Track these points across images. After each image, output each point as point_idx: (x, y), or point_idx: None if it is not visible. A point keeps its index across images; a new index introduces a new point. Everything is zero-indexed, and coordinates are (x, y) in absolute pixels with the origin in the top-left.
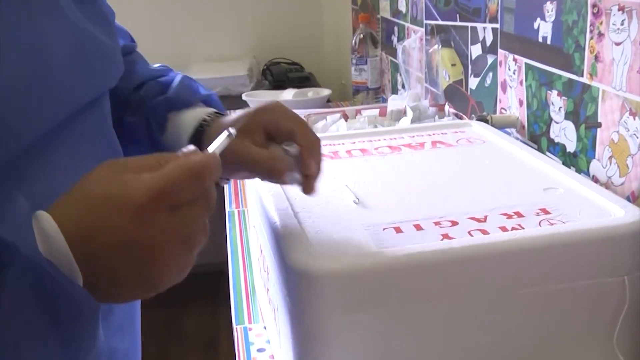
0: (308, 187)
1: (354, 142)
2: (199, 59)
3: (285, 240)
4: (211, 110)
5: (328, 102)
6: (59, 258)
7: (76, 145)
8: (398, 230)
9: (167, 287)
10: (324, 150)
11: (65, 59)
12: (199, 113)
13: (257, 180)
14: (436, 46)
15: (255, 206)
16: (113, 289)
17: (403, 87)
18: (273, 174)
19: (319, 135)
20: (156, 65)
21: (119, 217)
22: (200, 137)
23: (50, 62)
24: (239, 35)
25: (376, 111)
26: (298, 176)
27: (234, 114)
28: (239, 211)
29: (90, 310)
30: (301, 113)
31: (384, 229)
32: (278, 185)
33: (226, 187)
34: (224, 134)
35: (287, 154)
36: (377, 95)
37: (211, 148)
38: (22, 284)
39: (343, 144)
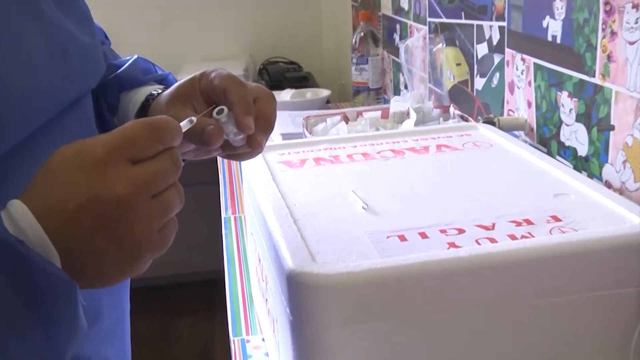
0: (252, 144)
1: (356, 146)
2: (193, 58)
3: (285, 248)
4: (160, 86)
5: (327, 103)
6: (32, 239)
7: (60, 144)
8: (402, 238)
9: (149, 254)
10: (325, 153)
11: (46, 60)
12: (147, 90)
13: (254, 185)
14: (440, 45)
15: (253, 212)
16: (92, 264)
17: (406, 87)
18: (207, 144)
19: (317, 138)
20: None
21: (78, 174)
22: (146, 111)
23: (30, 63)
24: (235, 33)
25: (378, 113)
26: (240, 137)
27: (177, 83)
28: (235, 217)
29: (67, 288)
30: (300, 115)
31: (387, 237)
32: (276, 191)
33: (222, 192)
34: (186, 121)
35: (217, 118)
36: (378, 96)
37: None
38: None
39: (344, 147)
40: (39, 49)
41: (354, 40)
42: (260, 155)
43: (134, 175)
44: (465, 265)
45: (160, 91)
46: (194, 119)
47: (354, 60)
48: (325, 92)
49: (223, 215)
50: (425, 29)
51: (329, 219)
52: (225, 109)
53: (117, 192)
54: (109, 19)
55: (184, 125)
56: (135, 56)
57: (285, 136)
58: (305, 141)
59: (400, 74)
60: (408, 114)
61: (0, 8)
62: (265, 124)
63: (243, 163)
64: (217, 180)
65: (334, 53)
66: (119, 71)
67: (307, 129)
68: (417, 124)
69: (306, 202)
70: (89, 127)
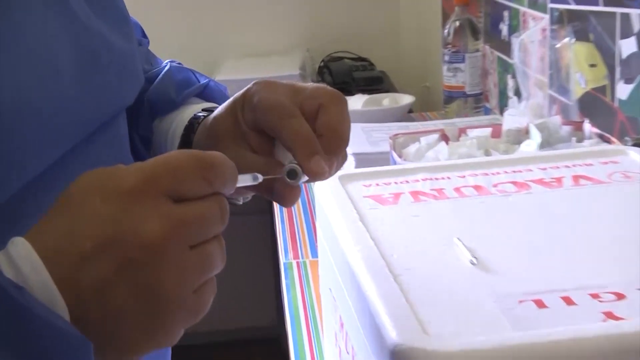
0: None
1: (464, 176)
2: (235, 54)
3: (385, 314)
4: (202, 105)
5: (409, 112)
6: (33, 285)
7: None
8: (540, 304)
9: (180, 317)
10: (425, 185)
11: (76, 71)
12: (187, 115)
13: (335, 226)
14: (567, 40)
15: (332, 262)
16: (109, 323)
17: (516, 94)
18: (281, 204)
19: (412, 165)
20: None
21: (102, 206)
22: (190, 141)
23: (58, 74)
24: (288, 21)
25: (487, 131)
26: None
27: (216, 115)
28: (297, 263)
29: (77, 345)
30: (374, 129)
31: (520, 301)
32: (367, 235)
33: (278, 227)
34: (249, 176)
35: (290, 183)
36: (477, 104)
37: None
38: None
39: (449, 178)
40: (68, 58)
41: (446, 31)
42: (340, 185)
43: (171, 213)
44: (632, 344)
45: (203, 116)
46: (260, 177)
47: (446, 58)
48: (407, 99)
49: (282, 260)
50: (545, 18)
51: (438, 275)
52: (298, 169)
53: (148, 231)
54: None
55: (245, 179)
56: (168, 65)
57: (359, 157)
58: (397, 169)
59: (509, 77)
60: (527, 132)
61: (25, 6)
62: (335, 143)
63: (318, 195)
64: (269, 209)
65: (416, 47)
66: (149, 90)
67: (395, 151)
68: (541, 146)
69: (407, 251)
70: (122, 152)
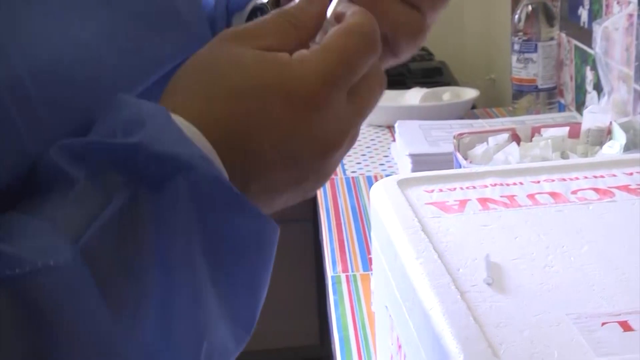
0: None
1: (539, 181)
2: None
3: (451, 335)
4: None
5: (473, 108)
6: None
7: None
8: (626, 326)
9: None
10: (494, 192)
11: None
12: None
13: (393, 235)
14: None
15: (390, 275)
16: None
17: (595, 88)
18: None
19: (480, 168)
20: None
21: (288, 110)
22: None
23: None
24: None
25: (564, 130)
26: None
27: None
28: (347, 277)
29: (271, 234)
30: (435, 126)
31: (603, 323)
32: (430, 247)
33: (325, 237)
34: None
35: None
36: (551, 99)
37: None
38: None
39: (522, 183)
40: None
41: (516, 16)
42: (399, 190)
43: (349, 115)
44: None
45: None
46: None
47: (516, 47)
48: (470, 93)
49: (329, 272)
50: (633, 2)
51: (511, 292)
52: None
53: (329, 138)
54: None
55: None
56: None
57: (417, 159)
58: (462, 172)
59: (587, 68)
60: (610, 132)
61: None
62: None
63: (373, 201)
64: (313, 217)
65: (480, 34)
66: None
67: (459, 152)
68: (626, 147)
69: (475, 265)
70: None
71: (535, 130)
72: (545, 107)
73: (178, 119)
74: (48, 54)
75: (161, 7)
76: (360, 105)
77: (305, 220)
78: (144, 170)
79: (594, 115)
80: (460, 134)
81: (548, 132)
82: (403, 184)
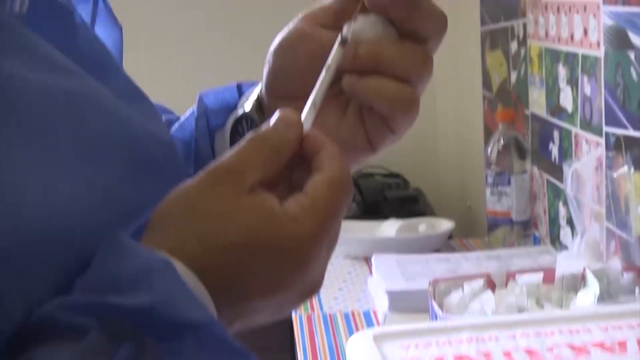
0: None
1: (514, 336)
2: None
3: None
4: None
5: (449, 239)
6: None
7: None
8: None
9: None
10: (470, 348)
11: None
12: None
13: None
14: (625, 169)
15: None
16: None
17: (569, 223)
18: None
19: (455, 322)
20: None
21: (281, 268)
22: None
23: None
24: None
25: (538, 276)
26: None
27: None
28: None
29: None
30: (412, 261)
31: None
32: None
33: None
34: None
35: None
36: (526, 231)
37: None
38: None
39: (496, 338)
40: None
41: (489, 149)
42: (375, 347)
43: (327, 258)
44: None
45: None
46: (346, 30)
47: (489, 180)
48: (446, 225)
49: None
50: (600, 142)
51: None
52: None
53: (313, 280)
54: None
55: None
56: (192, 111)
57: (394, 296)
58: (438, 327)
59: (560, 203)
60: (584, 277)
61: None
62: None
63: (350, 354)
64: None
65: (454, 163)
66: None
67: (435, 299)
68: (600, 297)
69: None
70: None
71: (510, 276)
72: (520, 239)
73: (179, 267)
74: (26, 211)
75: (140, 157)
76: (333, 244)
77: (282, 350)
78: (155, 329)
79: (568, 261)
80: (436, 281)
81: (523, 278)
82: (379, 339)
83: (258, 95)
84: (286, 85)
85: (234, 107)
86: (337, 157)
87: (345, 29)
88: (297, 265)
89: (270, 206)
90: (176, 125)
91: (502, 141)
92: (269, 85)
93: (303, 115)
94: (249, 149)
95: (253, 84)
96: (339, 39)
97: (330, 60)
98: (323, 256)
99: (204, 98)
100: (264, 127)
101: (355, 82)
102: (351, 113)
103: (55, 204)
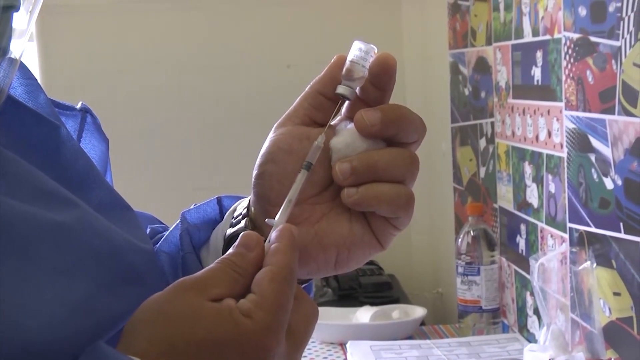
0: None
1: None
2: None
3: None
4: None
5: (422, 325)
6: None
7: None
8: None
9: None
10: None
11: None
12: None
13: None
14: (588, 264)
15: None
16: None
17: (536, 313)
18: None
19: None
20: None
21: None
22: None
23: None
24: None
25: None
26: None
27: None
28: None
29: None
30: (385, 347)
31: None
32: None
33: None
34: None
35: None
36: (495, 319)
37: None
38: None
39: None
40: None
41: (459, 240)
42: None
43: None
44: None
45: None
46: (321, 139)
47: (460, 270)
48: (418, 312)
49: None
50: (565, 238)
51: None
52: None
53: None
54: None
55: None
56: (177, 225)
57: None
58: None
59: (528, 294)
60: None
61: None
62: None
63: None
64: None
65: (426, 251)
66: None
67: None
68: None
69: None
70: None
71: None
72: (490, 326)
73: None
74: (4, 327)
75: (119, 267)
76: (297, 337)
77: None
78: None
79: (534, 354)
80: None
81: None
82: None
83: (246, 211)
84: (276, 200)
85: (214, 221)
86: (280, 250)
87: (320, 137)
88: (258, 357)
89: (228, 306)
90: (162, 239)
91: (472, 233)
92: (260, 207)
93: (279, 213)
94: (215, 270)
95: (233, 198)
96: (318, 139)
97: (307, 159)
98: (283, 348)
99: (186, 215)
100: (228, 252)
101: (354, 195)
102: (356, 219)
103: (28, 321)
